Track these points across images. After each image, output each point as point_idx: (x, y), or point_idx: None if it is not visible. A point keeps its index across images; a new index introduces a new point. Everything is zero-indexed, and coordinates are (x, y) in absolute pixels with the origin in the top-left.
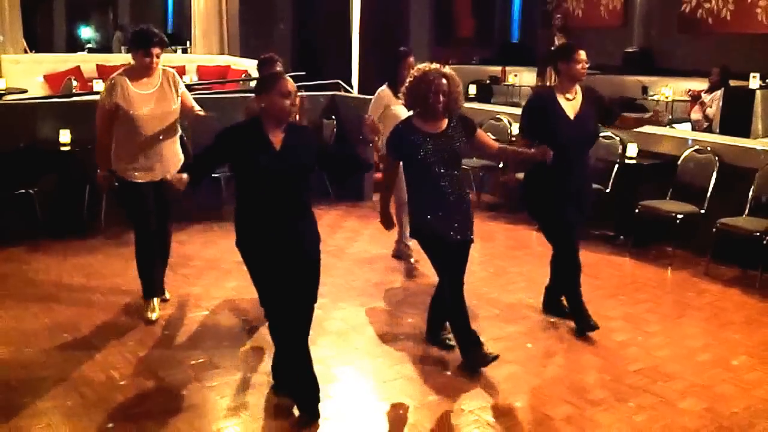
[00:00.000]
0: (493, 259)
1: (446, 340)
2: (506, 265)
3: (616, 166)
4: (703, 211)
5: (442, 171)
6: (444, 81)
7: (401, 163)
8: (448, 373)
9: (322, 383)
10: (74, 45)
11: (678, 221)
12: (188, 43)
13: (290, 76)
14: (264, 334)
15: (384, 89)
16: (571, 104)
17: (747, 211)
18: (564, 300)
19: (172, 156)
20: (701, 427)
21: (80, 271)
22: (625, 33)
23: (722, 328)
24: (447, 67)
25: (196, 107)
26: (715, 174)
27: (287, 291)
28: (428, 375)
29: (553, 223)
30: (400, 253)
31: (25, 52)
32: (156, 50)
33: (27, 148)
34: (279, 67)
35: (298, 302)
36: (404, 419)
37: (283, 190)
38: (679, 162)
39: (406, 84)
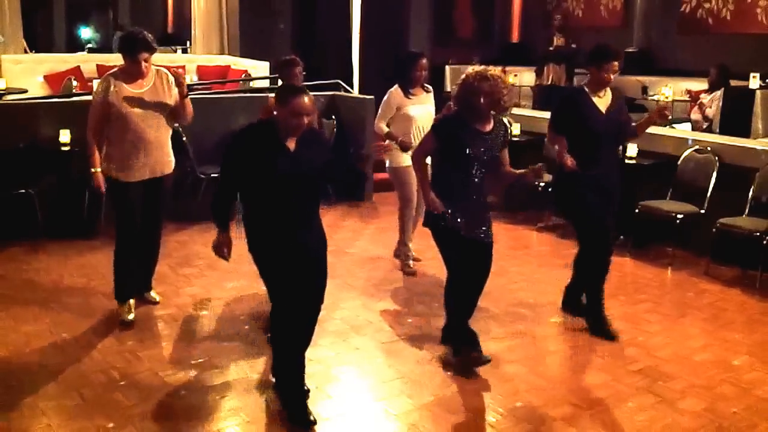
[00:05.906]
0: (494, 259)
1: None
2: (506, 265)
3: None
4: (703, 211)
5: (480, 171)
6: (486, 84)
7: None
8: (449, 373)
9: (323, 383)
10: (74, 45)
11: (678, 221)
12: (188, 43)
13: None
14: (264, 334)
15: (395, 90)
16: (602, 101)
17: (747, 211)
18: (584, 299)
19: (165, 155)
20: (701, 427)
21: (80, 271)
22: (625, 33)
23: (722, 328)
24: (497, 68)
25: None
26: (715, 174)
27: (300, 292)
28: (428, 375)
29: (584, 217)
30: (400, 254)
31: (25, 52)
32: (143, 55)
33: (27, 148)
34: (298, 69)
35: (308, 303)
36: (404, 419)
37: (297, 193)
38: (679, 162)
39: (458, 89)
